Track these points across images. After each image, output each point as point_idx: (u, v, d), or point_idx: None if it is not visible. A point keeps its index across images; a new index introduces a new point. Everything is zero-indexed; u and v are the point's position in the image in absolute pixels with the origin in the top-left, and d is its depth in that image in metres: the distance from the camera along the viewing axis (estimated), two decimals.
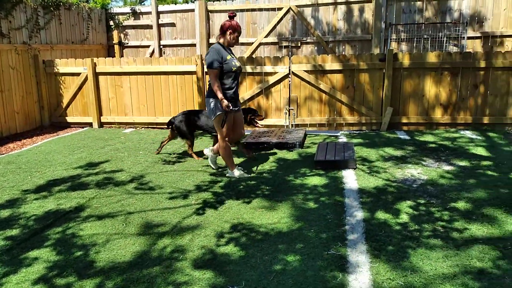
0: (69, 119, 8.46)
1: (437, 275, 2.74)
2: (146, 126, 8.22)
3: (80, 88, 8.25)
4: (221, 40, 4.70)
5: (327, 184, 4.59)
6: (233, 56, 4.76)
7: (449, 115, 7.22)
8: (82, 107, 8.37)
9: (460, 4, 9.55)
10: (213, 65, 4.52)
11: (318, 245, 3.19)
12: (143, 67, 7.93)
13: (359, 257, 3.00)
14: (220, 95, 4.53)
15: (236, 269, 2.89)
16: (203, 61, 7.65)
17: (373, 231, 3.40)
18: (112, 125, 8.35)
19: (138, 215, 3.88)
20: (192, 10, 10.93)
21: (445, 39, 9.65)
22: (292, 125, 7.55)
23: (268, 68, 7.44)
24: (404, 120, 7.33)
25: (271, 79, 7.46)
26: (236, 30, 4.64)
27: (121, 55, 11.58)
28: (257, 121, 5.84)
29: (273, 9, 10.41)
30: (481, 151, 5.72)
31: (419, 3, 9.68)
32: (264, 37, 10.51)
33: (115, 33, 11.47)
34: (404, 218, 3.63)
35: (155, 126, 8.17)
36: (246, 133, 7.41)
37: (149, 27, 11.34)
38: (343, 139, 6.74)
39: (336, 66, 7.27)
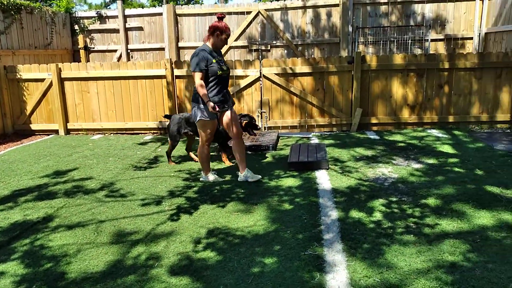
0: (34, 126, 8.16)
1: (412, 271, 2.79)
2: (115, 132, 8.03)
3: (44, 94, 7.97)
4: (208, 42, 4.56)
5: (301, 185, 4.62)
6: (220, 59, 4.60)
7: (416, 114, 7.42)
8: (47, 114, 8.10)
9: (423, 8, 9.88)
10: (196, 68, 4.40)
11: (295, 246, 3.20)
12: (111, 72, 7.76)
13: (336, 256, 3.03)
14: (205, 99, 4.40)
15: (214, 274, 2.86)
16: (172, 65, 7.57)
17: (348, 230, 3.44)
18: (80, 132, 8.12)
19: (110, 224, 3.77)
20: (160, 14, 10.81)
21: (410, 41, 9.95)
22: (264, 127, 7.57)
23: (239, 71, 7.44)
24: (373, 121, 7.48)
25: (242, 83, 7.46)
26: (224, 32, 4.49)
27: (87, 60, 11.30)
28: (253, 131, 5.76)
29: (242, 13, 10.44)
30: (447, 148, 5.91)
31: (384, 7, 9.95)
32: (234, 41, 10.52)
33: (80, 38, 11.19)
34: (377, 216, 3.69)
35: (124, 132, 8.00)
36: None
37: (115, 31, 11.13)
38: (315, 141, 6.81)
39: (306, 69, 7.35)
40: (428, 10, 9.87)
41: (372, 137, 6.93)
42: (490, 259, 2.88)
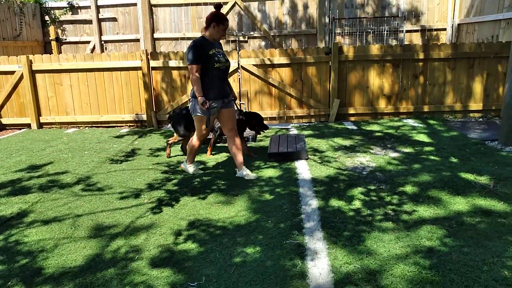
0: (4, 120, 7.90)
1: (391, 256, 2.84)
2: (90, 126, 7.86)
3: (15, 87, 7.71)
4: (206, 34, 4.34)
5: (281, 175, 4.63)
6: (218, 50, 4.37)
7: (392, 105, 7.54)
8: (19, 108, 7.84)
9: None
10: (191, 60, 4.19)
11: (276, 235, 3.21)
12: (84, 64, 7.56)
13: (317, 244, 3.05)
14: (197, 94, 4.21)
15: (196, 265, 2.84)
16: (148, 56, 7.44)
17: (328, 218, 3.47)
18: (53, 126, 7.90)
19: (87, 218, 3.69)
20: (134, 4, 10.59)
21: (386, 32, 10.08)
22: None
23: None
24: (351, 111, 7.56)
25: None
26: (221, 22, 4.26)
27: (59, 52, 10.99)
28: (261, 131, 5.57)
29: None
30: (423, 137, 6.03)
31: None
32: None
33: (51, 29, 10.86)
34: (356, 204, 3.74)
35: (100, 125, 7.83)
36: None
37: (88, 22, 10.85)
38: (294, 131, 6.84)
39: (284, 60, 7.34)
40: (403, 1, 10.00)
41: (350, 127, 7.01)
42: (465, 243, 2.96)
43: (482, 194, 3.83)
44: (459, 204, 3.64)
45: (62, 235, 3.36)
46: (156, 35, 10.64)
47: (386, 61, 7.36)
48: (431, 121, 7.14)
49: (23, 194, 4.33)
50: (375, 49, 7.33)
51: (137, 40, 10.79)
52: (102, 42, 10.92)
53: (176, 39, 10.66)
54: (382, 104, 7.55)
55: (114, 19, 10.79)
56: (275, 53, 7.38)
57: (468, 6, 9.23)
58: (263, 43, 10.46)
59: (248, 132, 6.33)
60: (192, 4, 10.41)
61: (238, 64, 7.37)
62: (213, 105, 4.32)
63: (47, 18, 10.82)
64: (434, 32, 10.09)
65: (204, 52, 4.23)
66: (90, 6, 10.66)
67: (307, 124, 7.51)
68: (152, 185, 4.47)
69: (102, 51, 10.86)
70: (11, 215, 3.81)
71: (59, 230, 3.46)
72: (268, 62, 7.36)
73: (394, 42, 10.03)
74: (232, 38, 10.39)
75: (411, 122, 7.18)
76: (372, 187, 4.13)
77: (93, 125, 7.85)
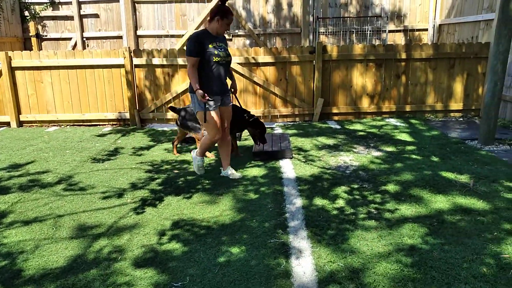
0: None
1: (374, 254, 2.88)
2: (71, 124, 7.73)
3: None
4: (209, 27, 4.19)
5: (266, 174, 4.64)
6: (220, 45, 4.21)
7: (375, 104, 7.62)
8: None
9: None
10: (189, 52, 4.08)
11: (261, 234, 3.21)
12: (66, 61, 7.43)
13: (301, 243, 3.07)
14: (194, 86, 4.09)
15: (180, 266, 2.82)
16: (131, 54, 7.35)
17: (313, 217, 3.49)
18: (33, 124, 7.75)
19: (69, 218, 3.64)
20: (117, 1, 10.46)
21: (369, 32, 10.18)
22: None
23: None
24: (335, 110, 7.62)
25: None
26: (226, 16, 4.12)
27: (40, 48, 10.77)
28: (259, 142, 5.27)
29: (203, 1, 10.28)
30: (405, 137, 6.12)
31: None
32: (195, 29, 10.34)
33: (31, 25, 10.64)
34: (340, 202, 3.77)
35: (81, 123, 7.71)
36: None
37: (70, 18, 10.66)
38: (278, 131, 6.86)
39: (269, 58, 7.35)
40: (386, 1, 10.12)
41: (333, 126, 7.06)
42: (446, 241, 3.02)
43: (462, 192, 3.91)
44: (440, 202, 3.71)
45: (43, 236, 3.30)
46: (139, 32, 10.53)
47: (369, 60, 7.43)
48: (413, 121, 7.25)
49: (2, 194, 4.23)
50: (358, 48, 7.40)
51: (120, 37, 10.66)
52: (84, 39, 10.75)
53: (160, 36, 10.56)
54: (365, 104, 7.63)
55: (96, 16, 10.63)
56: (260, 51, 7.38)
57: (449, 7, 9.39)
58: (247, 42, 10.45)
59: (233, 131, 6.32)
60: (176, 2, 10.33)
61: None
62: (209, 100, 4.19)
63: (26, 13, 10.58)
64: (416, 33, 10.24)
65: (203, 45, 4.10)
66: (71, 2, 10.48)
67: (292, 123, 7.54)
68: (136, 185, 4.43)
69: (84, 48, 10.69)
70: None
71: (40, 230, 3.40)
72: (252, 61, 7.35)
73: (377, 42, 10.14)
74: None
75: (393, 121, 7.27)
76: (355, 186, 4.17)
77: (75, 123, 7.72)
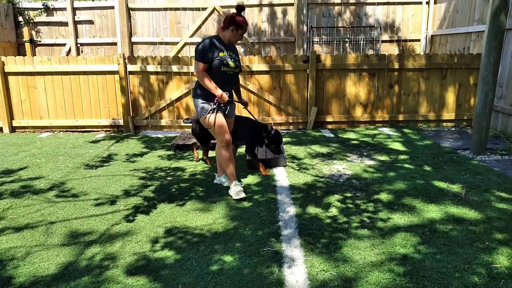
0: None
1: (366, 263, 2.89)
2: (65, 130, 7.69)
3: None
4: (221, 34, 4.09)
5: (259, 182, 4.64)
6: (230, 54, 4.09)
7: (368, 113, 7.68)
8: None
9: (374, 10, 10.23)
10: (200, 57, 3.96)
11: (254, 242, 3.21)
12: (60, 67, 7.41)
13: (294, 251, 3.07)
14: (213, 91, 3.97)
15: (172, 274, 2.81)
16: (126, 60, 7.35)
17: (306, 225, 3.50)
18: (26, 130, 7.70)
19: (61, 225, 3.61)
20: (112, 7, 10.47)
21: (363, 42, 10.28)
22: None
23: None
24: (328, 119, 7.66)
25: None
26: (241, 27, 4.01)
27: (33, 54, 10.74)
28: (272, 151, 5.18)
29: (198, 9, 10.33)
30: (398, 146, 6.16)
31: (337, 7, 10.20)
32: (190, 37, 10.39)
33: (25, 30, 10.61)
34: (333, 211, 3.79)
35: (75, 129, 7.68)
36: (175, 134, 7.27)
37: (64, 24, 10.65)
38: None
39: (263, 67, 7.39)
40: (379, 12, 10.24)
41: (327, 135, 7.10)
42: (438, 251, 3.04)
43: (454, 202, 3.94)
44: (432, 211, 3.73)
45: (34, 243, 3.27)
46: (134, 39, 10.54)
47: (363, 70, 7.50)
48: (406, 130, 7.30)
49: None
50: (352, 58, 7.46)
51: (115, 44, 10.66)
52: (78, 45, 10.74)
53: (154, 43, 10.58)
54: (358, 113, 7.68)
55: (90, 22, 10.63)
56: (254, 60, 7.42)
57: (441, 18, 9.52)
58: (242, 50, 10.50)
59: None
60: (171, 9, 10.37)
61: None
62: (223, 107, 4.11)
63: (20, 19, 10.56)
64: (409, 43, 10.36)
65: (212, 52, 3.98)
66: (66, 8, 10.48)
67: (286, 131, 7.57)
68: (129, 192, 4.41)
69: (78, 54, 10.67)
70: None
71: (31, 237, 3.37)
72: (247, 69, 7.39)
73: (370, 52, 10.24)
74: None
75: (386, 130, 7.33)
76: (349, 195, 4.19)
77: (68, 129, 7.69)
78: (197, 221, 3.64)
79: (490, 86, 5.46)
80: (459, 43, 8.58)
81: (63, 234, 3.42)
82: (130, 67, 7.36)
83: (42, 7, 10.54)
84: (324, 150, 6.00)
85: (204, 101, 4.12)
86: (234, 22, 4.00)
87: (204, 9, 10.27)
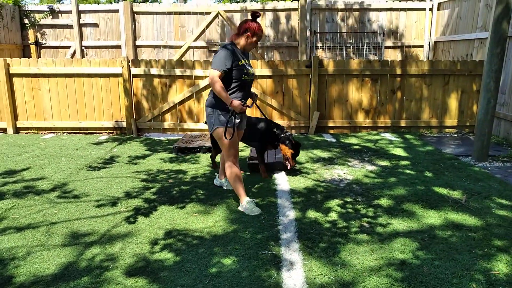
0: None
1: (364, 268, 2.90)
2: (68, 132, 7.74)
3: None
4: (236, 41, 3.89)
5: (260, 186, 4.66)
6: (247, 62, 3.94)
7: (370, 118, 7.69)
8: None
9: (378, 15, 10.26)
10: (219, 66, 3.70)
11: (253, 246, 3.22)
12: (64, 69, 7.47)
13: (293, 255, 3.08)
14: (228, 100, 3.72)
15: (171, 275, 2.83)
16: (129, 63, 7.40)
17: (305, 229, 3.51)
18: (30, 131, 7.75)
19: (62, 225, 3.64)
20: (117, 11, 10.55)
21: (366, 47, 10.30)
22: None
23: (198, 71, 7.39)
24: (330, 124, 7.68)
25: (202, 83, 7.42)
26: (256, 34, 3.83)
27: (38, 56, 10.83)
28: (288, 163, 4.94)
29: (202, 13, 10.39)
30: (399, 152, 6.17)
31: (341, 13, 10.24)
32: (193, 41, 10.45)
33: (31, 32, 10.71)
34: (333, 216, 3.80)
35: (78, 131, 7.73)
36: (177, 137, 7.31)
37: (69, 26, 10.74)
38: None
39: (266, 71, 7.42)
40: (383, 18, 10.27)
41: (329, 139, 7.11)
42: (437, 256, 3.04)
43: (455, 208, 3.94)
44: (432, 217, 3.74)
45: (36, 243, 3.30)
46: (138, 42, 10.61)
47: (365, 75, 7.52)
48: (408, 136, 7.31)
49: None
50: (354, 63, 7.49)
51: (119, 47, 10.73)
52: (83, 48, 10.82)
53: (158, 47, 10.65)
54: (360, 118, 7.69)
55: (95, 25, 10.71)
56: (257, 64, 7.46)
57: (444, 24, 9.54)
58: None
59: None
60: (175, 13, 10.44)
61: None
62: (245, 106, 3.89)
63: (26, 21, 10.66)
64: (412, 49, 10.38)
65: (232, 61, 3.75)
66: (71, 11, 10.57)
67: None
68: (130, 194, 4.43)
69: (82, 56, 10.75)
70: None
71: (33, 237, 3.39)
72: None
73: (373, 57, 10.26)
74: (214, 48, 10.44)
75: (388, 136, 7.33)
76: (349, 200, 4.20)
77: (72, 131, 7.74)
78: (197, 223, 3.65)
79: (492, 93, 5.46)
80: (462, 49, 8.59)
81: (64, 235, 3.45)
82: (134, 70, 7.42)
83: (48, 9, 10.64)
84: (325, 154, 6.02)
85: (220, 112, 3.86)
86: (249, 29, 3.82)
87: (208, 13, 10.32)
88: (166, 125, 7.60)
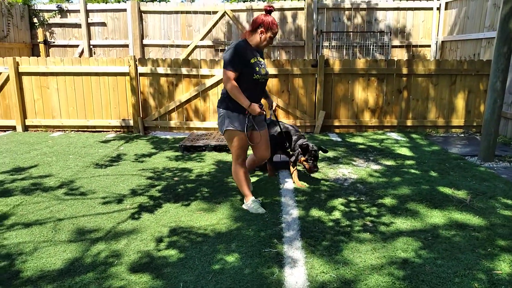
0: None
1: (366, 267, 2.91)
2: (76, 130, 7.83)
3: (0, 89, 7.66)
4: (249, 38, 3.70)
5: (265, 184, 4.69)
6: (259, 60, 3.73)
7: (376, 118, 7.68)
8: (4, 110, 7.78)
9: (385, 15, 10.23)
10: (228, 66, 3.57)
11: (256, 243, 3.25)
12: (72, 68, 7.56)
13: (295, 253, 3.11)
14: (245, 102, 3.59)
15: (174, 272, 2.86)
16: (136, 62, 7.46)
17: (308, 227, 3.53)
18: (39, 129, 7.85)
19: (69, 222, 3.70)
20: (124, 10, 10.63)
21: (372, 47, 10.28)
22: None
23: (204, 70, 7.43)
24: (336, 123, 7.68)
25: (208, 82, 7.46)
26: (270, 29, 3.61)
27: (47, 55, 10.95)
28: (307, 167, 4.57)
29: (208, 12, 10.44)
30: (405, 151, 6.16)
31: (347, 12, 10.23)
32: (200, 40, 10.50)
33: (39, 31, 10.83)
34: (336, 214, 3.81)
35: (86, 129, 7.81)
36: (183, 136, 7.36)
37: (77, 26, 10.85)
38: None
39: (272, 70, 7.44)
40: (390, 17, 10.23)
41: (334, 139, 7.11)
42: (439, 256, 3.05)
43: (459, 208, 3.93)
44: (436, 217, 3.74)
45: (42, 239, 3.36)
46: (145, 41, 10.68)
47: (371, 75, 7.51)
48: (414, 135, 7.29)
49: (5, 197, 4.30)
50: (360, 63, 7.48)
51: (126, 46, 10.81)
52: (91, 47, 10.91)
53: (165, 46, 10.71)
54: (366, 117, 7.68)
55: (103, 24, 10.80)
56: None
57: (452, 24, 9.49)
58: None
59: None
60: (182, 12, 10.50)
61: None
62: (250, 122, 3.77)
63: (35, 20, 10.78)
64: (419, 49, 10.33)
65: (243, 59, 3.61)
66: (79, 10, 10.67)
67: None
68: (136, 191, 4.49)
69: (90, 55, 10.85)
70: None
71: (40, 233, 3.45)
72: None
73: (380, 57, 10.23)
74: (221, 47, 10.48)
75: (394, 135, 7.32)
76: (353, 199, 4.21)
77: (79, 129, 7.82)
78: (201, 221, 3.69)
79: (499, 92, 5.43)
80: (470, 49, 8.54)
81: (70, 231, 3.50)
82: (141, 69, 7.48)
83: (56, 9, 10.75)
84: (330, 154, 6.02)
85: (232, 113, 3.73)
86: (262, 24, 3.61)
87: (214, 12, 10.37)
88: (173, 123, 7.66)
